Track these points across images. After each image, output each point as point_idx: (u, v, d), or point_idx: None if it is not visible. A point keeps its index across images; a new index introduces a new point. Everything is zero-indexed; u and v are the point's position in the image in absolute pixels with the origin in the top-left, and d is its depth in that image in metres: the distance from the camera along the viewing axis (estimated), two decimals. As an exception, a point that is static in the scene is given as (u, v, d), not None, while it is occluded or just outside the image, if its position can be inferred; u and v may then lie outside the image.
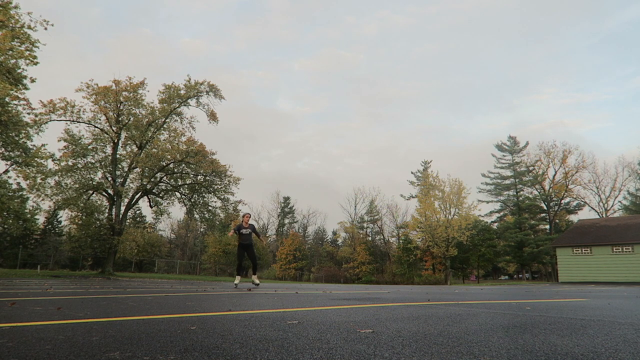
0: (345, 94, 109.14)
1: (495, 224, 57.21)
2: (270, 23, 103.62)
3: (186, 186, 26.41)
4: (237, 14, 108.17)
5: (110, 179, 24.25)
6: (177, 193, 26.69)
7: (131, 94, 24.21)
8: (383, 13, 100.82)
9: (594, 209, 53.94)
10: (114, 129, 24.18)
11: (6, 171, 19.33)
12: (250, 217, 10.72)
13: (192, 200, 26.44)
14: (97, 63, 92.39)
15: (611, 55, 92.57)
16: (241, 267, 10.53)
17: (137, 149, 24.61)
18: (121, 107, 24.08)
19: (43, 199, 21.64)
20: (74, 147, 22.97)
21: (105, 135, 24.39)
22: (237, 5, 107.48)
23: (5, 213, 19.73)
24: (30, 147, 19.24)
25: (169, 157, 23.80)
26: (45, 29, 18.71)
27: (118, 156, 24.70)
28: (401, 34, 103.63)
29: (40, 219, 44.42)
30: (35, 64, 18.42)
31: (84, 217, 23.21)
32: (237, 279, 10.39)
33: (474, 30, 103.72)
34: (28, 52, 18.06)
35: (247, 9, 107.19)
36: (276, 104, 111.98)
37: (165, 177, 25.86)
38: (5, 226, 24.84)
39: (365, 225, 61.42)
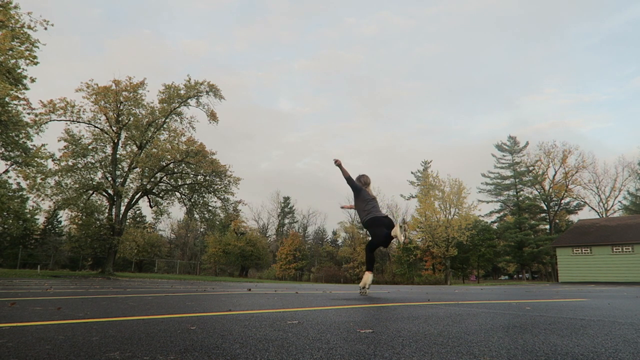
0: (345, 94, 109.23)
1: (495, 224, 57.20)
2: (270, 23, 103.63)
3: (186, 186, 26.42)
4: (237, 14, 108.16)
5: (110, 179, 24.26)
6: (177, 193, 26.71)
7: (131, 94, 24.23)
8: (383, 14, 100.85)
9: (594, 209, 54.00)
10: (114, 129, 24.19)
11: (6, 171, 19.34)
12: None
13: (192, 200, 26.45)
14: (97, 63, 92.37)
15: (611, 55, 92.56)
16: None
17: (137, 149, 24.62)
18: (121, 107, 24.09)
19: (43, 199, 21.68)
20: (74, 147, 22.99)
21: (105, 135, 24.41)
22: (237, 6, 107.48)
23: (5, 213, 19.73)
24: (30, 147, 19.26)
25: (169, 157, 23.81)
26: (45, 29, 18.74)
27: (118, 156, 24.71)
28: (401, 34, 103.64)
29: (40, 219, 44.44)
30: (35, 64, 18.43)
31: (84, 217, 23.23)
32: (371, 277, 5.88)
33: (474, 30, 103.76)
34: (28, 52, 18.07)
35: (247, 9, 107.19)
36: (276, 104, 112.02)
37: (165, 177, 25.88)
38: (5, 226, 24.80)
39: (365, 225, 61.34)
